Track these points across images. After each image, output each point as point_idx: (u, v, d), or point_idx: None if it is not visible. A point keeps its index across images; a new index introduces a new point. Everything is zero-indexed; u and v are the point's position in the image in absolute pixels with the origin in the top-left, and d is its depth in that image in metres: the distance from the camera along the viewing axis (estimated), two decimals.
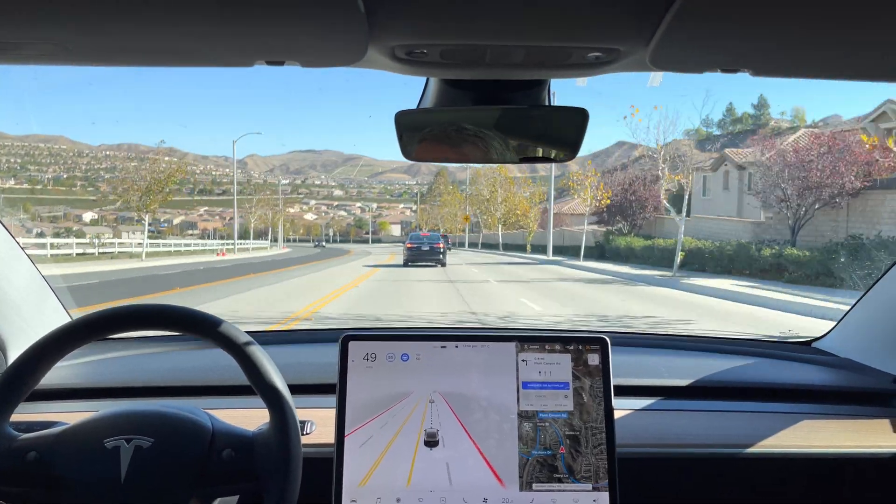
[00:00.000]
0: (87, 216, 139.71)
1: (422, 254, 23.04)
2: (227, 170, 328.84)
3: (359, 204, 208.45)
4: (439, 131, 1.03)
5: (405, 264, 23.12)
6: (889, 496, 1.25)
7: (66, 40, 0.73)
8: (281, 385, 0.90)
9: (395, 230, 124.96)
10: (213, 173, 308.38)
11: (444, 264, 22.78)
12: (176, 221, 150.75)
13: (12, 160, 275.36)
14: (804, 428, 1.26)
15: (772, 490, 1.24)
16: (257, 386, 0.90)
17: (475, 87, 0.99)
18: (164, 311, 0.91)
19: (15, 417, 0.90)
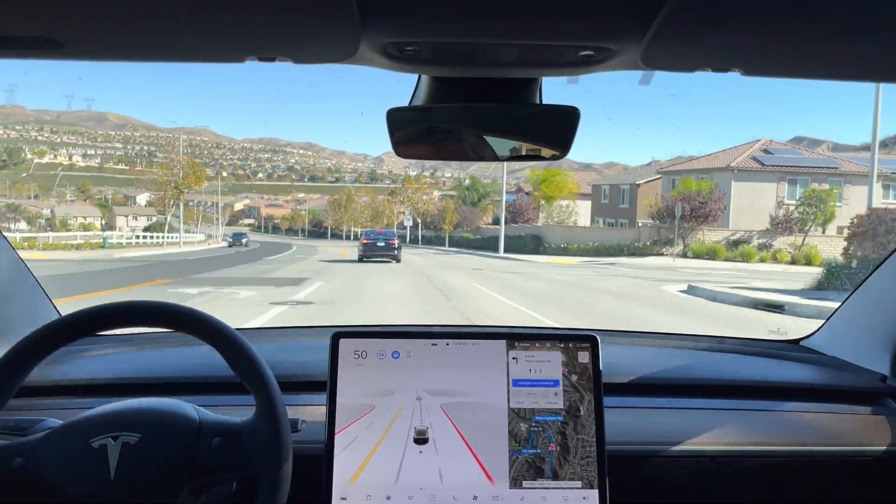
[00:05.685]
0: (142, 198, 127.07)
1: (377, 249, 23.64)
2: (360, 164, 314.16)
3: None
4: (430, 129, 1.02)
5: (360, 260, 23.64)
6: (875, 494, 1.23)
7: (56, 35, 0.72)
8: (264, 369, 0.89)
9: None
10: (346, 167, 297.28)
11: (398, 260, 23.19)
12: (238, 206, 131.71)
13: (146, 147, 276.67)
14: (792, 426, 1.25)
15: (758, 487, 1.22)
16: (239, 371, 0.89)
17: (467, 85, 0.98)
18: (145, 306, 0.90)
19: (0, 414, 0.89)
